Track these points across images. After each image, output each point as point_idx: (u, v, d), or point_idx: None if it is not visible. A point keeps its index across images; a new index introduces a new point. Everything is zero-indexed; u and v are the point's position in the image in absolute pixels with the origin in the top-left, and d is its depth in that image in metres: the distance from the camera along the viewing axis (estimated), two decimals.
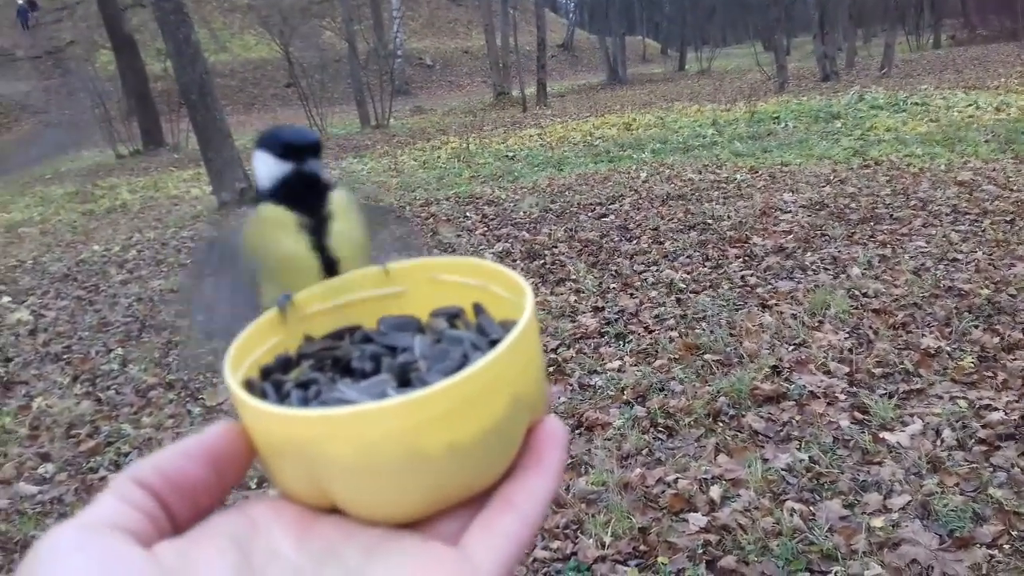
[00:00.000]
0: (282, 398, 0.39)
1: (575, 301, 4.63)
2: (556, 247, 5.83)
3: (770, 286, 4.50)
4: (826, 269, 4.67)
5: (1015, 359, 3.35)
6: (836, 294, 4.18)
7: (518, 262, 5.54)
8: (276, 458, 0.36)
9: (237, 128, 17.38)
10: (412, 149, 13.44)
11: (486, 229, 6.70)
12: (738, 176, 7.59)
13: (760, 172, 7.72)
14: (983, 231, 5.02)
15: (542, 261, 5.53)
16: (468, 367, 0.34)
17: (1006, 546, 2.30)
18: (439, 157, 11.91)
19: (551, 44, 29.84)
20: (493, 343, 0.39)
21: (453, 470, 0.35)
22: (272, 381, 0.41)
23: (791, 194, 6.53)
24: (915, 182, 6.49)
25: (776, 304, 4.22)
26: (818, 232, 5.40)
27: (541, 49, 21.28)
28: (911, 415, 3.01)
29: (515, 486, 0.37)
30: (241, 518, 0.35)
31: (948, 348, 3.51)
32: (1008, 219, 5.20)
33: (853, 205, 5.97)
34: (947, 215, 5.46)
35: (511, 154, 11.21)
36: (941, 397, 3.12)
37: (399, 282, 0.47)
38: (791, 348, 3.68)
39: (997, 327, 3.65)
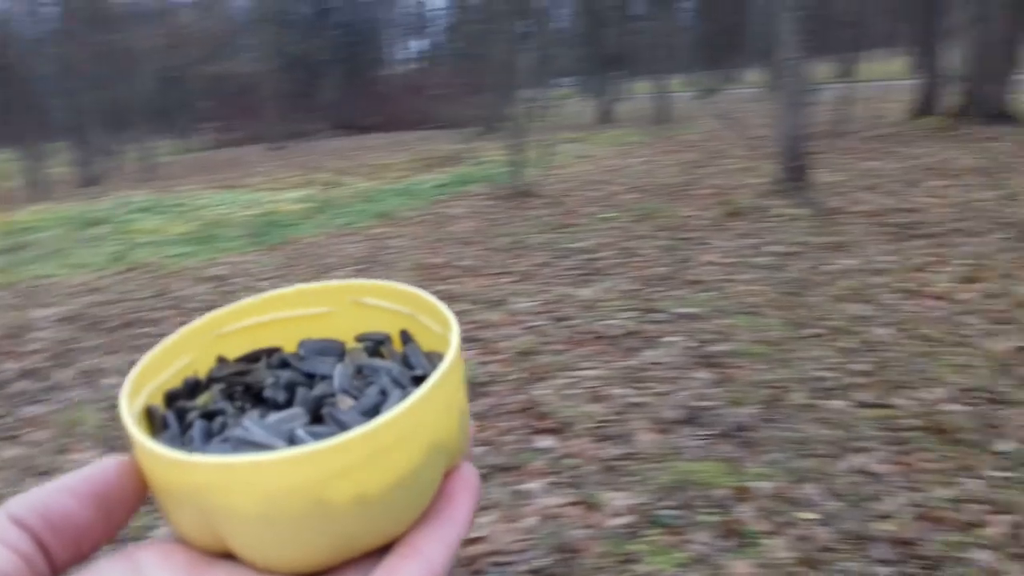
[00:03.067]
0: (184, 429, 0.36)
1: None
2: None
3: (18, 414, 4.16)
4: (85, 383, 4.53)
5: None
6: (93, 407, 4.08)
7: None
8: (170, 501, 0.33)
9: None
10: None
11: None
12: None
13: (17, 287, 7.16)
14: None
15: None
16: (385, 413, 0.31)
17: None
18: None
19: None
20: (416, 379, 0.37)
21: (361, 522, 0.32)
22: (176, 409, 0.38)
23: (45, 309, 6.19)
24: (173, 281, 6.77)
25: (26, 433, 3.92)
26: (75, 346, 5.21)
27: None
28: None
29: (423, 532, 0.34)
30: (127, 563, 0.32)
31: None
32: None
33: (112, 312, 5.93)
34: (199, 311, 5.81)
35: None
36: None
37: (325, 302, 0.44)
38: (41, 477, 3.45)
39: None
